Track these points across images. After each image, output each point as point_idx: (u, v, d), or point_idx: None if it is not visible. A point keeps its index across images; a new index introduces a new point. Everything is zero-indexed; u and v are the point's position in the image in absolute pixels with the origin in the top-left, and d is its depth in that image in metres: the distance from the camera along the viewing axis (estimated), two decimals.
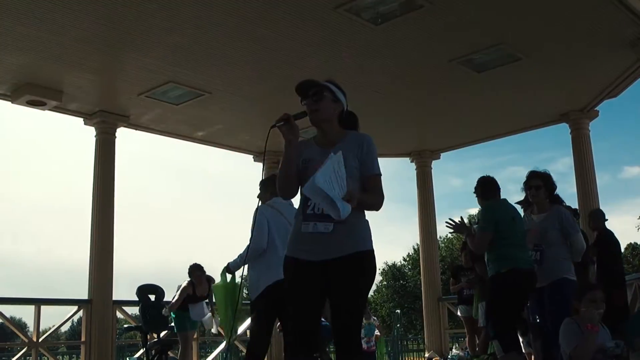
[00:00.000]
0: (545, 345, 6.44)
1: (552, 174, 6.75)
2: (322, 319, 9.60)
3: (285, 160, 3.78)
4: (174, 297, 9.91)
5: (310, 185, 3.42)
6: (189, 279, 9.98)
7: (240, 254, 6.63)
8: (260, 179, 6.74)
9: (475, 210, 40.70)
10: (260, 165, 13.86)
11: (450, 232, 49.13)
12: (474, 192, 6.83)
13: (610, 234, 9.16)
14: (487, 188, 6.71)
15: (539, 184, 6.58)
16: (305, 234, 3.71)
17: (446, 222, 6.78)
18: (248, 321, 13.67)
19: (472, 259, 9.15)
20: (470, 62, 9.77)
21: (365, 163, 3.81)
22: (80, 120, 11.34)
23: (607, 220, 9.36)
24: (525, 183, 6.70)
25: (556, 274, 6.35)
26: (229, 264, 6.80)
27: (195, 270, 10.03)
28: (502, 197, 6.72)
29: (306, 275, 3.71)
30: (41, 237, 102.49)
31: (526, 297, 6.51)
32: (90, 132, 11.36)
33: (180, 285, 9.97)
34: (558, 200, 6.78)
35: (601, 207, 11.86)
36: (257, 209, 6.30)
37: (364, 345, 15.20)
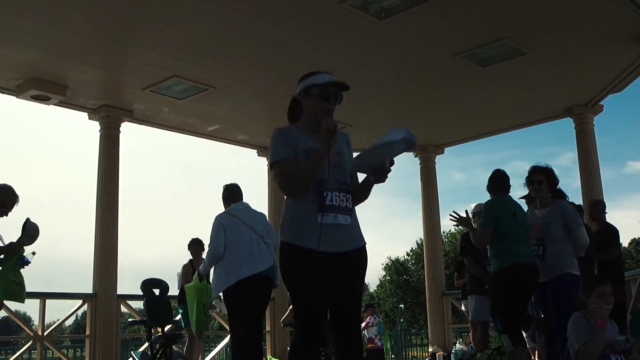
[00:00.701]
0: (549, 340, 6.45)
1: (554, 169, 6.76)
2: None
3: (320, 161, 3.71)
4: (179, 290, 9.89)
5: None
6: (188, 259, 9.94)
7: (204, 260, 6.96)
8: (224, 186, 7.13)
9: None
10: (264, 159, 13.87)
11: (454, 226, 49.32)
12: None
13: (615, 229, 9.14)
14: (495, 183, 6.75)
15: (541, 178, 6.58)
16: (323, 225, 3.68)
17: (450, 215, 6.84)
18: None
19: (461, 253, 9.17)
20: (474, 56, 9.75)
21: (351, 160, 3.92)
22: (85, 114, 11.37)
23: (606, 213, 9.37)
24: (528, 178, 6.71)
25: (559, 268, 6.36)
26: (198, 269, 7.27)
27: (194, 245, 9.94)
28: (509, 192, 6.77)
29: (323, 266, 3.71)
30: (46, 232, 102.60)
31: (530, 291, 6.53)
32: (95, 126, 11.41)
33: (179, 273, 9.95)
34: (561, 195, 6.78)
35: (605, 202, 11.88)
36: (216, 218, 6.75)
37: (378, 343, 15.30)
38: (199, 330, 7.77)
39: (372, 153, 3.70)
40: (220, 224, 6.65)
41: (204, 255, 7.14)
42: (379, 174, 3.78)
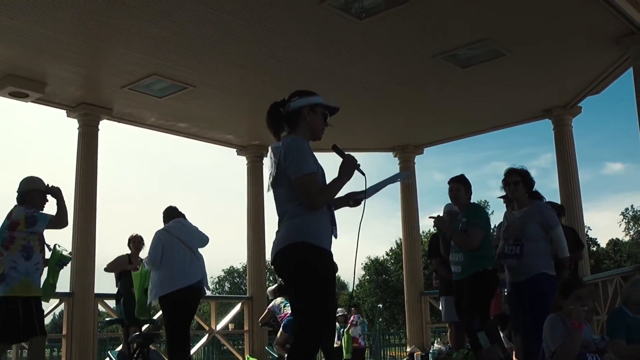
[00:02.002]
0: (524, 339, 6.50)
1: (531, 170, 6.89)
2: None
3: (341, 186, 4.12)
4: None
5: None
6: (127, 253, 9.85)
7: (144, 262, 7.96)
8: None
9: None
10: (243, 158, 13.85)
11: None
12: (455, 181, 6.88)
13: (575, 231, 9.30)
14: (470, 189, 6.89)
15: (517, 179, 6.68)
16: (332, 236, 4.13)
17: (430, 217, 7.00)
18: (230, 315, 13.70)
19: (430, 255, 9.23)
20: (454, 57, 9.78)
21: None
22: (63, 112, 11.29)
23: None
24: (504, 180, 6.81)
25: (535, 269, 6.42)
26: (144, 261, 7.98)
27: (132, 240, 9.81)
28: (479, 194, 6.96)
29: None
30: None
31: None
32: (73, 124, 11.32)
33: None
34: (538, 196, 6.86)
35: (583, 203, 12.00)
36: (156, 233, 7.68)
37: (362, 342, 15.35)
38: (139, 312, 8.16)
39: (377, 189, 4.31)
40: (159, 239, 7.54)
41: (141, 254, 7.92)
42: (359, 202, 4.31)
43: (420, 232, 11.84)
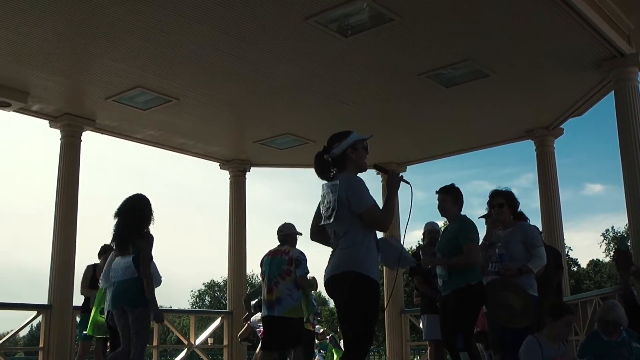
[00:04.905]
0: (503, 358, 6.48)
1: (514, 190, 6.87)
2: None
3: (394, 200, 4.71)
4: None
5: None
6: (93, 263, 9.71)
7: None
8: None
9: None
10: (226, 172, 13.83)
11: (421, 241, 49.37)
12: (443, 192, 6.62)
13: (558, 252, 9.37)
14: (462, 201, 6.63)
15: (502, 202, 6.68)
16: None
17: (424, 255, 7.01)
18: (209, 330, 13.63)
19: (410, 273, 9.22)
20: (438, 76, 9.83)
21: None
22: (46, 122, 11.24)
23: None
24: (489, 202, 6.80)
25: None
26: (100, 278, 8.26)
27: (103, 252, 9.36)
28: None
29: None
30: (1, 241, 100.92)
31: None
32: (56, 134, 11.27)
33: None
34: (522, 217, 6.88)
35: (564, 223, 12.06)
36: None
37: None
38: (90, 330, 8.51)
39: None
40: (111, 259, 7.80)
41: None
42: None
43: None
